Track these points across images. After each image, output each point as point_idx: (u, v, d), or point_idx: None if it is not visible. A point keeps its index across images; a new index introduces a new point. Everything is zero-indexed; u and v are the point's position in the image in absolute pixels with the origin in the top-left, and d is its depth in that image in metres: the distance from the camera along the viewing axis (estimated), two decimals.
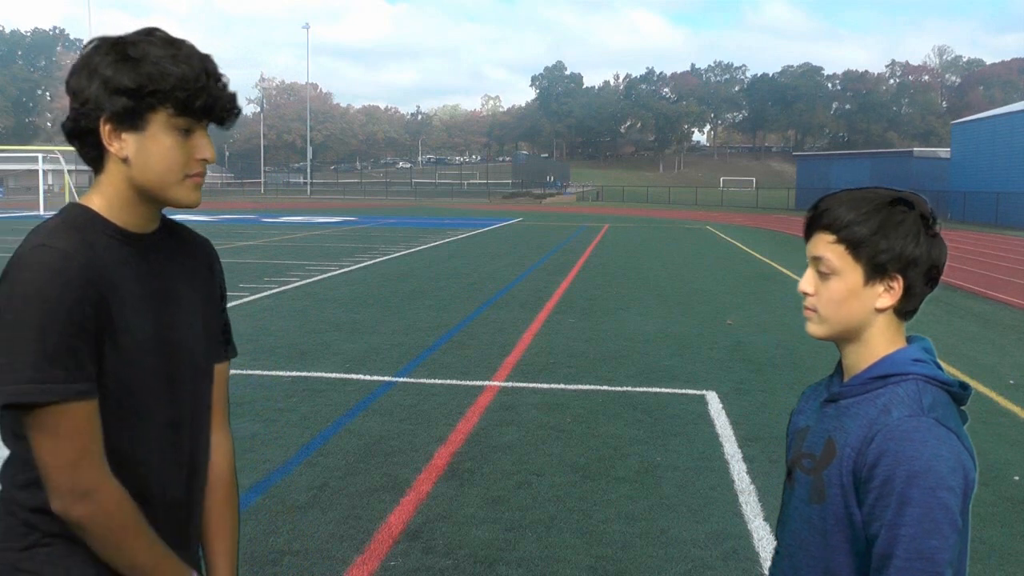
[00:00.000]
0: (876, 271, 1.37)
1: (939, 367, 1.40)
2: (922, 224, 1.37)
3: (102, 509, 1.36)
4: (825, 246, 1.39)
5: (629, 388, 7.15)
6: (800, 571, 1.43)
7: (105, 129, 1.38)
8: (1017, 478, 5.09)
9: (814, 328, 1.44)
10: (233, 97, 1.44)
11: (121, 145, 1.40)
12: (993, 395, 7.11)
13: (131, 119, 1.38)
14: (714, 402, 6.71)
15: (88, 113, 1.38)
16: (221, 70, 1.43)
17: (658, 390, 7.13)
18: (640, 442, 5.67)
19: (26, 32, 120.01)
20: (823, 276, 1.40)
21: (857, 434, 1.34)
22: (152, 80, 1.35)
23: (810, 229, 1.43)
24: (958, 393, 1.38)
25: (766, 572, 1.75)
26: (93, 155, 1.42)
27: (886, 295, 1.38)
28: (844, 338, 1.43)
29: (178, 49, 1.38)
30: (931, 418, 1.30)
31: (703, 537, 4.18)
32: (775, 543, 1.62)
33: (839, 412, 1.41)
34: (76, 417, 1.33)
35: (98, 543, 1.38)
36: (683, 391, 7.10)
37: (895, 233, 1.35)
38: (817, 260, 1.41)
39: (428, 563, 3.86)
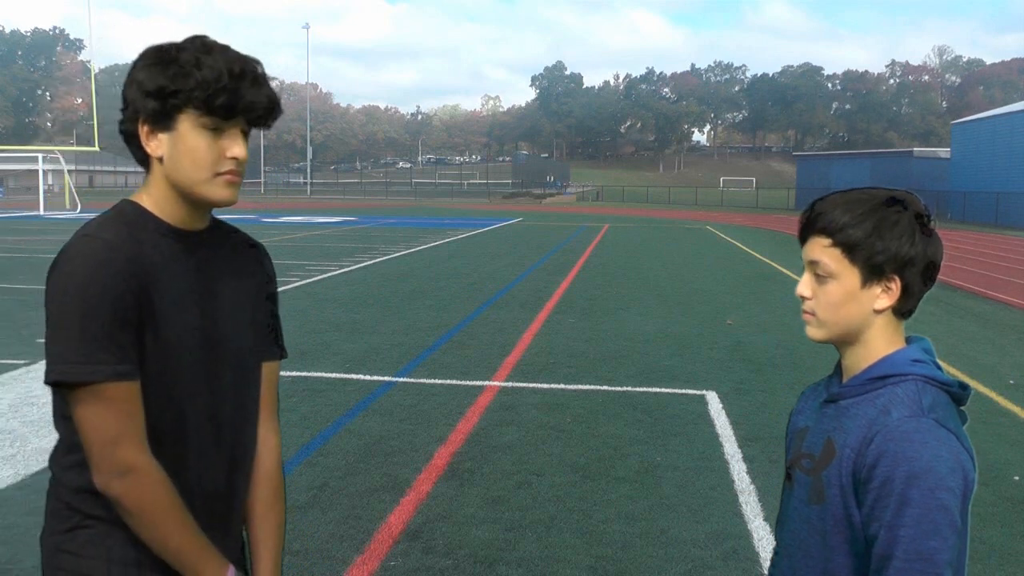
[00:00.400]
0: (873, 273, 1.36)
1: (938, 367, 1.39)
2: (917, 223, 1.36)
3: (140, 487, 1.42)
4: (821, 250, 1.39)
5: (629, 388, 7.15)
6: (799, 571, 1.43)
7: (143, 130, 1.47)
8: (1017, 478, 5.09)
9: (813, 332, 1.43)
10: (265, 98, 1.47)
11: (157, 144, 1.47)
12: (993, 395, 7.11)
13: (162, 120, 1.45)
14: (714, 402, 6.71)
15: (130, 116, 1.47)
16: (262, 72, 1.48)
17: (658, 390, 7.13)
18: (640, 442, 5.67)
19: (26, 32, 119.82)
20: (820, 279, 1.40)
21: (856, 434, 1.34)
22: (174, 81, 1.42)
23: (805, 233, 1.42)
24: (957, 393, 1.38)
25: (766, 572, 1.75)
26: (140, 156, 1.51)
27: (884, 296, 1.37)
28: (844, 340, 1.42)
29: (209, 52, 1.43)
30: (931, 419, 1.30)
31: (703, 537, 4.18)
32: (774, 543, 1.62)
33: (838, 412, 1.40)
34: (117, 397, 1.40)
35: (134, 520, 1.44)
36: (683, 391, 7.10)
37: (890, 234, 1.34)
38: (814, 264, 1.40)
39: (428, 563, 3.86)
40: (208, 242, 1.57)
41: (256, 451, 1.68)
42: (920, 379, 1.36)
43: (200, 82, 1.41)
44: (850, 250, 1.36)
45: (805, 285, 1.41)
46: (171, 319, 1.47)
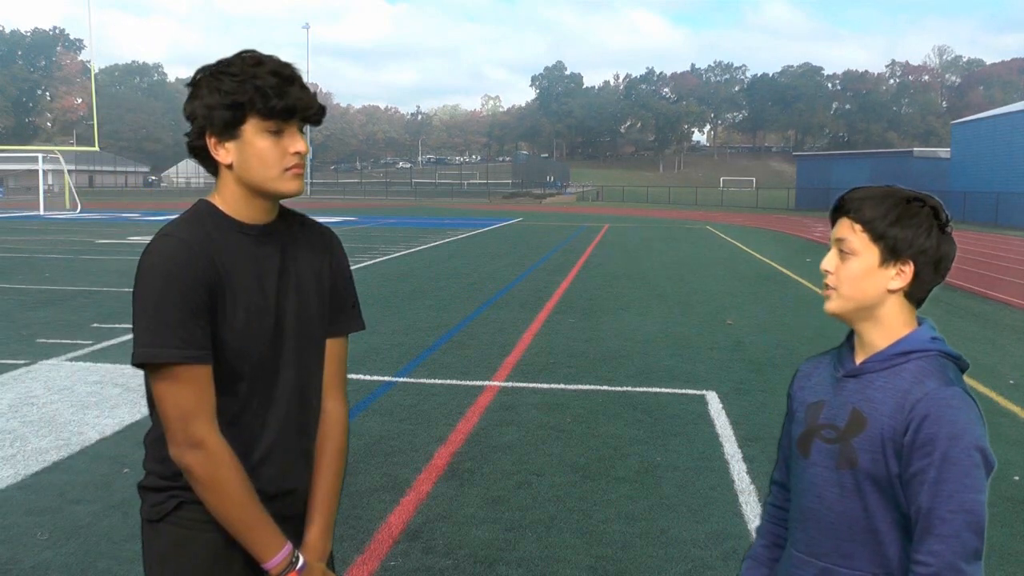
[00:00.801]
0: (890, 254, 1.52)
1: (946, 342, 1.58)
2: (935, 220, 1.53)
3: (208, 460, 1.58)
4: (849, 230, 1.55)
5: (629, 388, 7.15)
6: (829, 530, 1.55)
7: (211, 142, 1.64)
8: (1017, 478, 5.09)
9: (832, 304, 1.58)
10: (312, 98, 1.64)
11: (225, 153, 1.64)
12: (993, 395, 7.10)
13: (228, 131, 1.62)
14: (714, 402, 6.71)
15: (197, 132, 1.64)
16: (302, 76, 1.65)
17: (658, 390, 7.13)
18: (640, 442, 5.67)
19: (26, 32, 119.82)
20: (843, 256, 1.56)
21: (889, 403, 1.49)
22: (235, 94, 1.58)
23: (836, 214, 1.59)
24: (964, 366, 1.57)
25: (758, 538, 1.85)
26: (209, 165, 1.67)
27: (897, 278, 1.53)
28: (859, 316, 1.57)
29: (260, 64, 1.60)
30: (960, 388, 1.48)
31: (703, 537, 4.18)
32: (777, 511, 1.78)
33: (862, 385, 1.55)
34: (190, 378, 1.57)
35: (202, 490, 1.60)
36: (683, 391, 7.10)
37: (909, 223, 1.52)
38: (840, 241, 1.56)
39: (428, 563, 3.85)
40: (277, 232, 1.73)
41: (321, 422, 1.81)
42: (940, 355, 1.54)
43: (259, 90, 1.58)
44: (873, 232, 1.53)
45: (829, 260, 1.58)
46: (242, 307, 1.64)
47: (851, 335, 1.63)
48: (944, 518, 1.40)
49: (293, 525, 1.73)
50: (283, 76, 1.60)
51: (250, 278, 1.66)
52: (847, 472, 1.52)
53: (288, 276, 1.72)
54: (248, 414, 1.68)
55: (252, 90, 1.57)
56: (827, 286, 1.58)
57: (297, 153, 1.64)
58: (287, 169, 1.64)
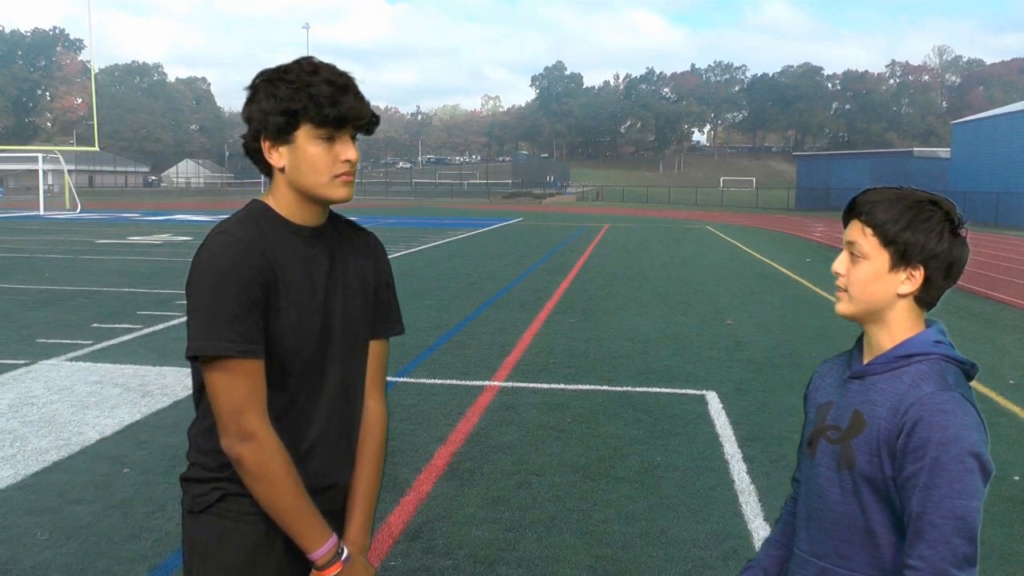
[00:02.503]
0: (901, 259, 1.52)
1: (954, 348, 1.55)
2: (947, 224, 1.51)
3: (259, 452, 1.62)
4: (860, 233, 1.55)
5: (629, 388, 7.15)
6: (830, 530, 1.57)
7: (265, 146, 1.68)
8: (1017, 478, 5.09)
9: (843, 307, 1.59)
10: (366, 108, 1.68)
11: (279, 157, 1.68)
12: (993, 395, 7.10)
13: (282, 136, 1.66)
14: (714, 402, 6.71)
15: (253, 135, 1.69)
16: (358, 85, 1.69)
17: (658, 390, 7.13)
18: (640, 442, 5.67)
19: (26, 32, 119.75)
20: (854, 259, 1.56)
21: (887, 406, 1.49)
22: (291, 101, 1.62)
23: (848, 217, 1.59)
24: (970, 371, 1.55)
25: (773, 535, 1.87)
26: (264, 167, 1.72)
27: (907, 282, 1.53)
28: (869, 319, 1.58)
29: (316, 72, 1.63)
30: (958, 393, 1.46)
31: (703, 537, 4.18)
32: (792, 509, 1.80)
33: (866, 388, 1.55)
34: (243, 371, 1.61)
35: (251, 481, 1.63)
36: (683, 391, 7.10)
37: (921, 228, 1.50)
38: (851, 244, 1.56)
39: (428, 563, 3.85)
40: (327, 235, 1.77)
41: (363, 420, 1.86)
42: (942, 358, 1.52)
43: (313, 98, 1.61)
44: (884, 236, 1.52)
45: (841, 263, 1.58)
46: (294, 305, 1.68)
47: (863, 336, 1.63)
48: (934, 523, 1.40)
49: (334, 520, 1.76)
50: (337, 85, 1.63)
51: (302, 277, 1.70)
52: (847, 473, 1.53)
53: (336, 277, 1.76)
54: (295, 409, 1.72)
55: (306, 98, 1.61)
56: (838, 288, 1.59)
57: (348, 161, 1.67)
58: (337, 176, 1.68)
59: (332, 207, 1.79)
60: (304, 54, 1.73)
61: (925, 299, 1.55)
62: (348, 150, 1.67)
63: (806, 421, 1.70)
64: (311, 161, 1.66)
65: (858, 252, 1.55)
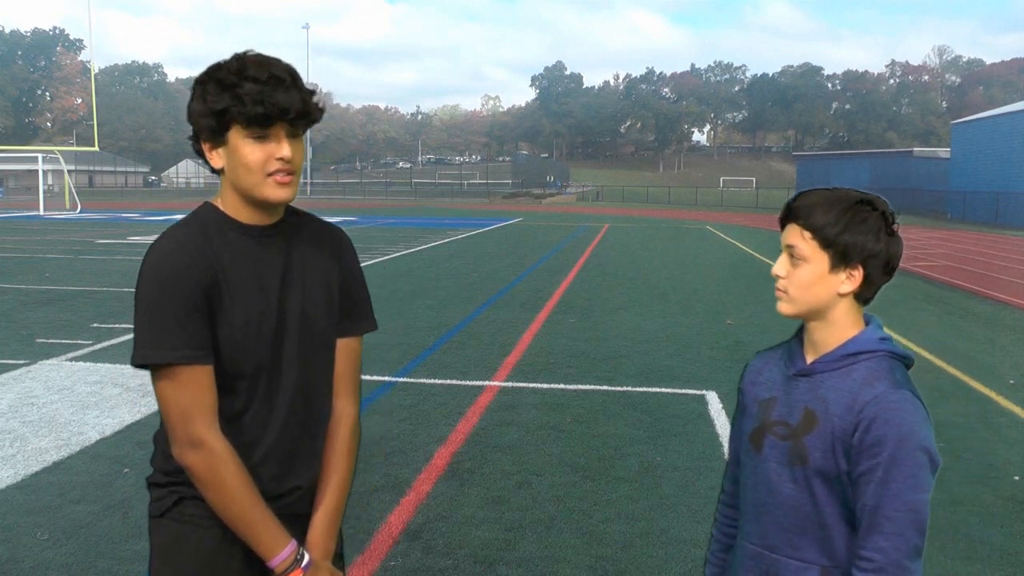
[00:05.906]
0: (841, 260, 1.56)
1: (894, 342, 1.61)
2: (883, 223, 1.56)
3: (208, 459, 1.59)
4: (799, 237, 1.58)
5: (629, 388, 7.15)
6: (783, 523, 1.60)
7: (205, 147, 1.66)
8: (1017, 478, 5.09)
9: (784, 307, 1.62)
10: (298, 101, 1.60)
11: (217, 157, 1.65)
12: (993, 395, 7.10)
13: (215, 137, 1.63)
14: (714, 402, 6.71)
15: (195, 136, 1.66)
16: (293, 76, 1.61)
17: (658, 390, 7.13)
18: (640, 442, 5.67)
19: (26, 32, 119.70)
20: (794, 262, 1.59)
21: (841, 404, 1.54)
22: (216, 103, 1.58)
23: (785, 220, 1.62)
24: (909, 364, 1.61)
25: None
26: (211, 167, 1.69)
27: (848, 282, 1.57)
28: (811, 317, 1.61)
29: (243, 69, 1.58)
30: (908, 390, 1.52)
31: (703, 537, 4.18)
32: (726, 507, 1.84)
33: (814, 385, 1.59)
34: (188, 378, 1.59)
35: (202, 487, 1.62)
36: (683, 391, 7.10)
37: (859, 229, 1.54)
38: (791, 247, 1.59)
39: (428, 563, 3.85)
40: (281, 233, 1.72)
41: (330, 421, 1.81)
42: (888, 355, 1.57)
43: (238, 98, 1.56)
44: (823, 239, 1.55)
45: (781, 265, 1.61)
46: (241, 306, 1.64)
47: (801, 330, 1.67)
48: (890, 516, 1.46)
49: (300, 524, 1.74)
50: (262, 80, 1.57)
51: (249, 278, 1.66)
52: (799, 468, 1.57)
53: (292, 276, 1.72)
54: (250, 413, 1.68)
55: (231, 98, 1.57)
56: (778, 289, 1.62)
57: (281, 159, 1.61)
58: (270, 175, 1.62)
59: (291, 204, 1.74)
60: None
61: (864, 296, 1.59)
62: (282, 148, 1.61)
63: (745, 415, 1.73)
64: (243, 161, 1.61)
65: (798, 255, 1.58)
